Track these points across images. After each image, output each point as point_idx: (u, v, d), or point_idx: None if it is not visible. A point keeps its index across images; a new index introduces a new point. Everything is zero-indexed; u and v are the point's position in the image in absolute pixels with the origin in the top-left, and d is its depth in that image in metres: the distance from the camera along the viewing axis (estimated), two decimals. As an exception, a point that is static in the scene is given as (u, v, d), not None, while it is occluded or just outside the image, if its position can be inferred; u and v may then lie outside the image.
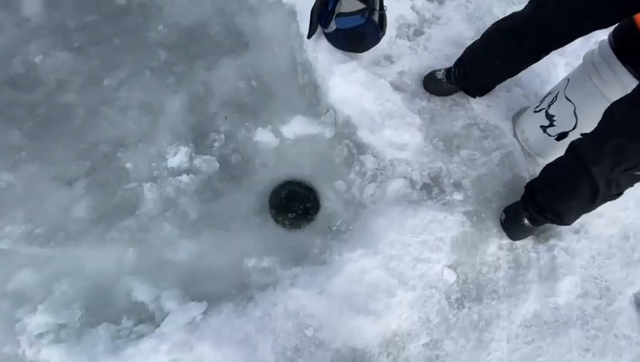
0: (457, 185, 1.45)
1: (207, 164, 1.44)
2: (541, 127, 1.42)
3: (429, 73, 1.62)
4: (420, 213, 1.34)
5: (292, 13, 1.78)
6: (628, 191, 1.08)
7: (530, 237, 1.36)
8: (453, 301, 1.27)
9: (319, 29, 1.60)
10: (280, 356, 1.10)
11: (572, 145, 1.10)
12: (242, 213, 1.39)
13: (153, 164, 1.44)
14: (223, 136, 1.51)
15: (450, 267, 1.29)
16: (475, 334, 1.22)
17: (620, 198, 1.09)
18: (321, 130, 1.52)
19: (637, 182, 1.06)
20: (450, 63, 1.57)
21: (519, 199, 1.33)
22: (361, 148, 1.49)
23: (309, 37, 1.59)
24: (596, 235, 1.41)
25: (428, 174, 1.47)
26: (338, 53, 1.60)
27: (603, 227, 1.41)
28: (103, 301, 1.23)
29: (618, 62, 1.09)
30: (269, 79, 1.66)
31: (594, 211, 1.16)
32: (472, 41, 1.45)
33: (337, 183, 1.45)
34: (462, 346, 1.20)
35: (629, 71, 1.07)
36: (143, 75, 1.61)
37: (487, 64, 1.39)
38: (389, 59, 1.69)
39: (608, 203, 1.10)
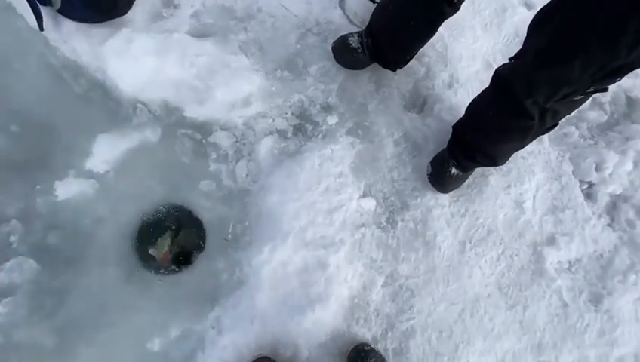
0: (326, 108, 1.24)
1: (17, 271, 0.98)
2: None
3: (339, 39, 1.26)
4: (305, 161, 1.12)
5: (7, 8, 1.19)
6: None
7: (417, 117, 1.26)
8: (384, 224, 1.15)
9: (47, 11, 1.09)
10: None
11: (497, 73, 0.90)
12: (108, 292, 1.01)
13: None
14: (16, 222, 1.03)
15: (363, 196, 1.15)
16: (419, 240, 1.15)
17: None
18: (141, 137, 1.13)
19: (577, 107, 0.91)
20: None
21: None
22: (202, 129, 1.16)
23: (41, 28, 1.08)
24: (466, 78, 1.37)
25: (292, 114, 1.22)
26: (96, 29, 1.13)
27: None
28: None
29: None
30: (34, 112, 1.15)
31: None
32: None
33: (202, 184, 1.13)
34: (415, 260, 1.13)
35: None
36: None
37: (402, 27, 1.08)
38: (170, 4, 1.28)
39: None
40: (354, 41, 1.23)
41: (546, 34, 0.77)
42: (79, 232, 1.04)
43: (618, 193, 1.33)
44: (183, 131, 1.15)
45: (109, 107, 1.16)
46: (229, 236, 1.08)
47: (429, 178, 1.20)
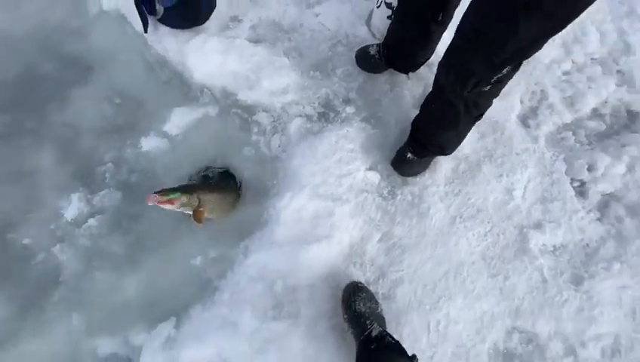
0: (346, 101, 1.54)
1: (107, 198, 1.36)
2: (387, 17, 1.54)
3: (360, 49, 1.56)
4: (325, 138, 1.41)
5: (120, 17, 1.67)
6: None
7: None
8: (386, 194, 1.38)
9: (151, 19, 1.53)
10: (263, 318, 1.14)
11: (435, 75, 1.11)
12: (167, 222, 1.34)
13: (52, 226, 1.33)
14: (110, 164, 1.42)
15: (370, 169, 1.40)
16: (414, 210, 1.36)
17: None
18: (205, 111, 1.50)
19: (494, 97, 1.10)
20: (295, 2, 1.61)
21: None
22: (249, 109, 1.50)
23: (145, 31, 1.52)
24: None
25: (318, 104, 1.53)
26: (182, 34, 1.55)
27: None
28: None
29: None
30: (131, 90, 1.58)
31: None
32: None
33: (245, 150, 1.46)
34: (409, 225, 1.33)
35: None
36: (-8, 148, 1.44)
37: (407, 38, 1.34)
38: (235, 19, 1.68)
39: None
40: (373, 50, 1.53)
41: (456, 33, 0.96)
42: (152, 175, 1.41)
43: (609, 192, 1.45)
44: (234, 110, 1.51)
45: (183, 90, 1.56)
46: (262, 190, 1.38)
47: (392, 165, 1.40)
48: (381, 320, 1.14)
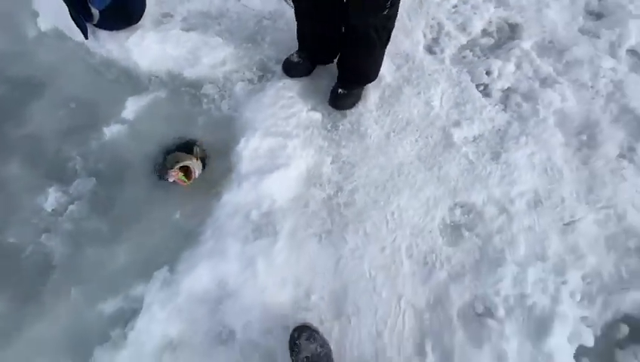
0: (279, 61, 1.76)
1: (82, 185, 1.47)
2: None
3: (285, 60, 1.70)
4: (267, 92, 1.62)
5: (59, 34, 1.81)
6: None
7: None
8: (329, 127, 1.61)
9: (89, 26, 1.68)
10: (245, 241, 1.30)
11: (347, 21, 1.34)
12: (142, 194, 1.48)
13: (35, 221, 1.42)
14: (79, 158, 1.54)
15: (311, 110, 1.63)
16: (355, 134, 1.59)
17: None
18: (156, 95, 1.66)
19: (395, 19, 1.35)
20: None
21: None
22: (195, 85, 1.69)
23: (86, 37, 1.67)
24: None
25: (256, 69, 1.75)
26: (120, 34, 1.72)
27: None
28: (83, 340, 1.25)
29: None
30: (84, 94, 1.71)
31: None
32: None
33: (200, 120, 1.63)
34: (353, 147, 1.56)
35: None
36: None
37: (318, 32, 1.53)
38: (167, 15, 1.88)
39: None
40: (295, 58, 1.69)
41: None
42: (120, 159, 1.54)
43: (507, 87, 1.77)
44: (183, 89, 1.69)
45: (132, 82, 1.71)
46: (223, 152, 1.55)
47: (328, 102, 1.62)
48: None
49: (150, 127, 1.60)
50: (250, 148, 1.42)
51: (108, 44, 1.72)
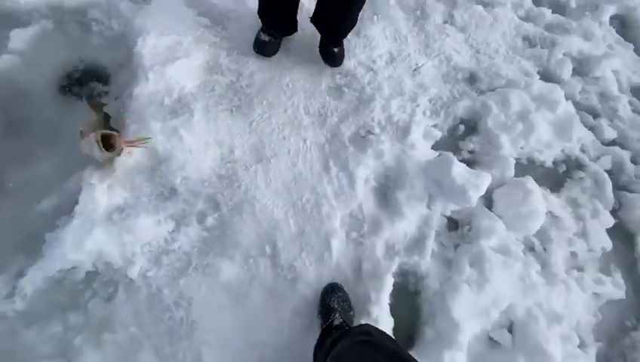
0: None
1: (-16, 112, 1.49)
2: None
3: (255, 40, 1.76)
4: (152, 3, 1.79)
5: None
6: None
7: None
8: (219, 30, 1.85)
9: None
10: (164, 120, 1.51)
11: None
12: (54, 106, 1.56)
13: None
14: None
15: (199, 15, 1.84)
16: (243, 33, 1.86)
17: None
18: (42, 27, 1.69)
19: None
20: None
21: None
22: (80, 12, 1.76)
23: None
24: None
25: None
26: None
27: None
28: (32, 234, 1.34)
29: None
30: None
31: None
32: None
33: (94, 42, 1.72)
34: (241, 40, 1.84)
35: None
36: None
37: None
38: None
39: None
40: (263, 36, 1.75)
41: None
42: (14, 90, 1.57)
43: None
44: (68, 17, 1.75)
45: (15, 20, 1.70)
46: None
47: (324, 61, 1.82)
48: (349, 322, 1.22)
49: (45, 54, 1.65)
50: (148, 47, 1.60)
51: None
